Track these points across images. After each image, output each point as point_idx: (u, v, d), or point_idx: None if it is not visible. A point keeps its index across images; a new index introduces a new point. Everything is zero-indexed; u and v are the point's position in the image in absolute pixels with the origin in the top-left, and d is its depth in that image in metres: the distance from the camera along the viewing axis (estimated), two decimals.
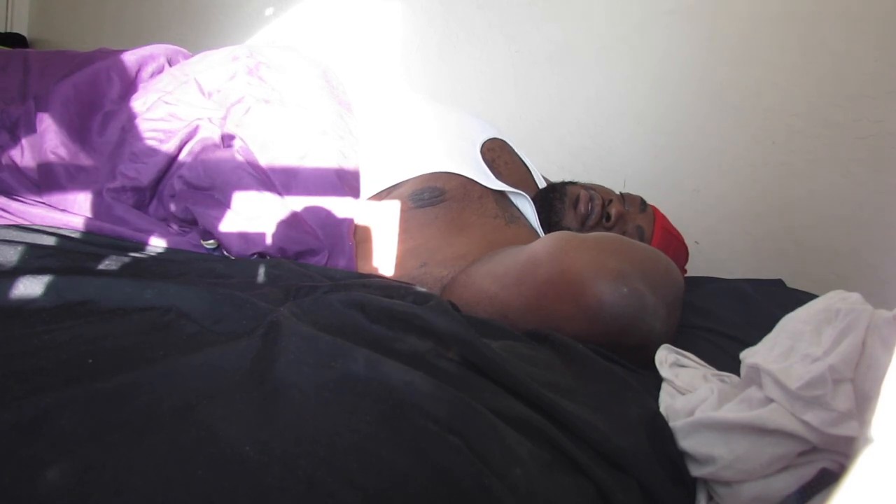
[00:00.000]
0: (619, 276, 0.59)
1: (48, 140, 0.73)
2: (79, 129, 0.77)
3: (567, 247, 0.63)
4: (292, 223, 0.75)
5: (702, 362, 0.60)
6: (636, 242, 0.68)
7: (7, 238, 0.59)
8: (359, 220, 0.82)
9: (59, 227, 0.69)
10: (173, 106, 0.80)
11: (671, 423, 0.48)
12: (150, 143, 0.76)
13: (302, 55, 0.98)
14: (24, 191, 0.74)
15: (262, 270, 0.64)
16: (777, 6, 1.30)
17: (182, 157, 0.77)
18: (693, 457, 0.46)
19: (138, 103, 0.80)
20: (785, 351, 0.44)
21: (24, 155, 0.74)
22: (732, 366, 0.54)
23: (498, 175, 0.93)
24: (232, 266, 0.65)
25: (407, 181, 0.87)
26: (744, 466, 0.42)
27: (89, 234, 0.69)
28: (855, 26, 1.21)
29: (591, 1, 1.56)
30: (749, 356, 0.47)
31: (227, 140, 0.80)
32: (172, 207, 0.76)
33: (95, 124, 0.79)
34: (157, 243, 0.72)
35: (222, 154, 0.77)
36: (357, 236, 0.81)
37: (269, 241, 0.73)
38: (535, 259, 0.65)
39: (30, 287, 0.47)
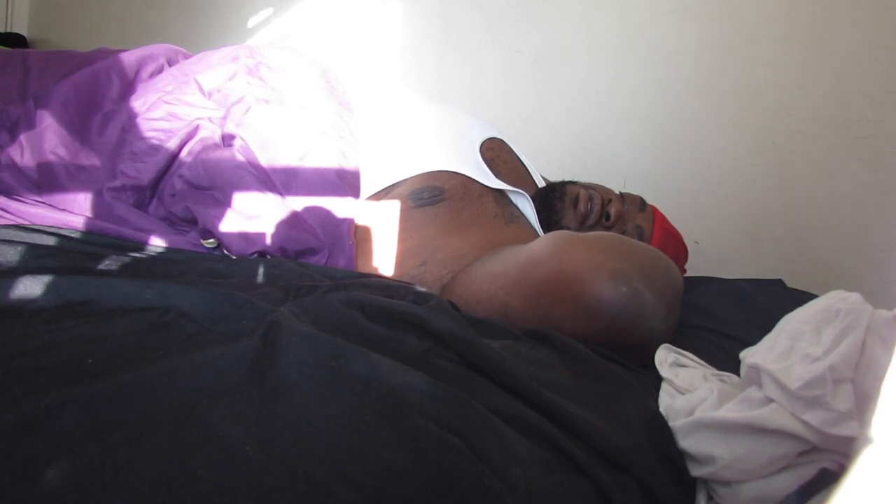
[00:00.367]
0: (618, 275, 0.59)
1: (48, 140, 0.73)
2: (79, 128, 0.77)
3: (567, 246, 0.63)
4: (292, 223, 0.75)
5: (701, 362, 0.60)
6: (636, 242, 0.68)
7: (7, 238, 0.59)
8: (358, 220, 0.82)
9: (59, 227, 0.69)
10: (173, 106, 0.80)
11: (671, 423, 0.49)
12: (150, 142, 0.76)
13: (302, 55, 0.98)
14: (24, 190, 0.74)
15: (261, 270, 0.64)
16: (778, 7, 1.30)
17: (182, 156, 0.77)
18: (693, 456, 0.46)
19: (138, 103, 0.80)
20: (785, 351, 0.44)
21: (23, 155, 0.74)
22: (732, 366, 0.54)
23: (497, 174, 0.93)
24: (232, 266, 0.65)
25: (406, 180, 0.87)
26: (744, 466, 0.42)
27: (89, 234, 0.69)
28: (855, 27, 1.21)
29: (590, 1, 1.56)
30: (749, 356, 0.47)
31: (227, 140, 0.80)
32: (173, 207, 0.76)
33: (95, 124, 0.79)
34: (157, 243, 0.72)
35: (223, 154, 0.77)
36: (357, 236, 0.81)
37: (269, 240, 0.73)
38: (534, 258, 0.65)
39: (30, 287, 0.47)
